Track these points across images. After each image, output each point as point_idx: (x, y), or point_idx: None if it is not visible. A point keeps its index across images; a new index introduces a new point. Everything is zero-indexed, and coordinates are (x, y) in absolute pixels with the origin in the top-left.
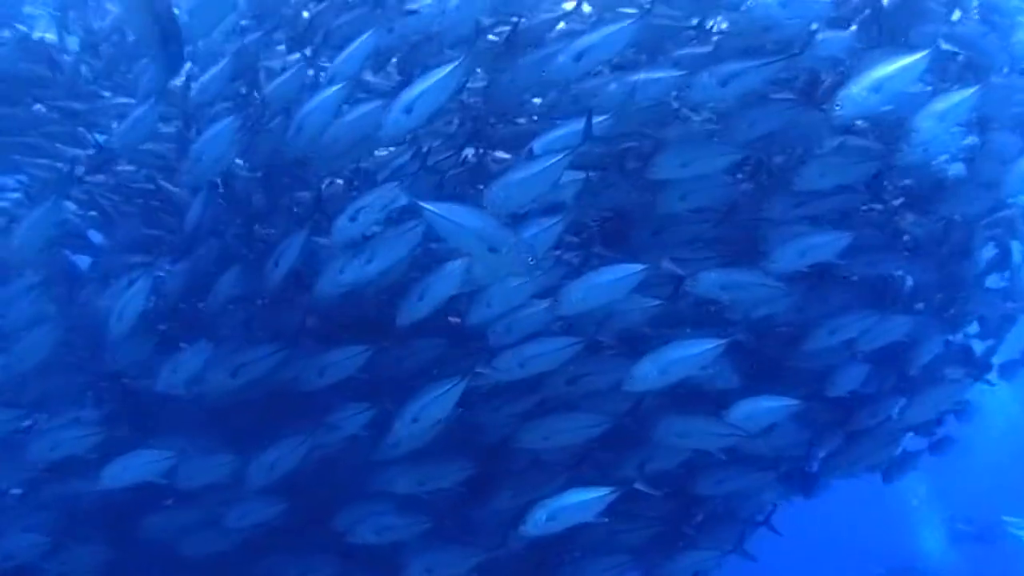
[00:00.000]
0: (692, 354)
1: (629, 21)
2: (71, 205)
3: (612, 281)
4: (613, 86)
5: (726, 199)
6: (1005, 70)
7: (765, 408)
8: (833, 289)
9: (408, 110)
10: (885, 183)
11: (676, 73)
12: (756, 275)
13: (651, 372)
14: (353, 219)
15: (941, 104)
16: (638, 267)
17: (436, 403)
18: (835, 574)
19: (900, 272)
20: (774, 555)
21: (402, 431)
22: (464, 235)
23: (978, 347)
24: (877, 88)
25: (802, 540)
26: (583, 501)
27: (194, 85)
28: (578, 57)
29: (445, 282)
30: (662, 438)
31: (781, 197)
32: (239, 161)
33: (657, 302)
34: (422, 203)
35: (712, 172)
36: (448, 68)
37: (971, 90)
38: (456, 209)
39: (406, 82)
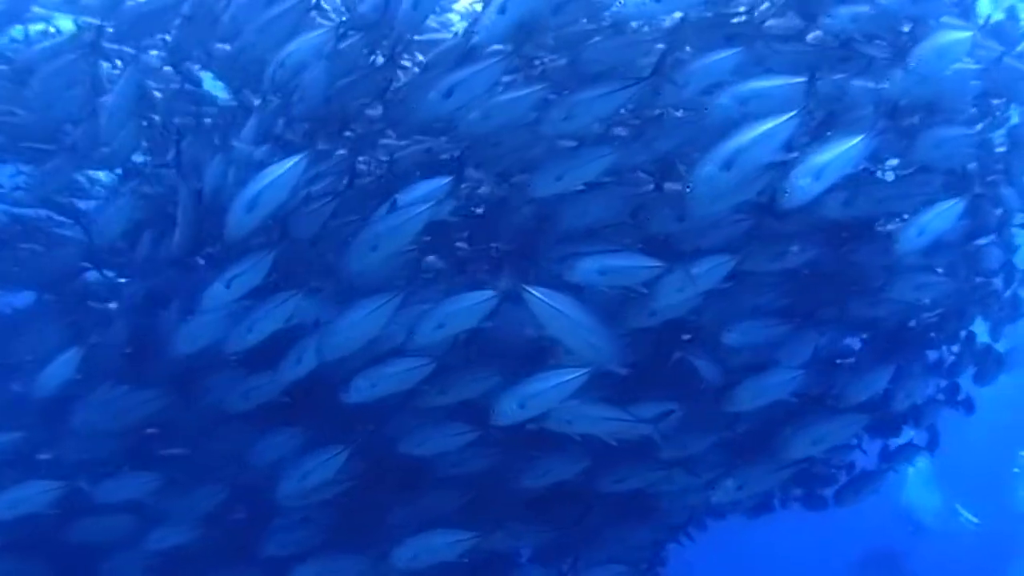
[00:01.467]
0: (551, 386)
1: (499, 57)
2: None
3: (467, 308)
4: (474, 114)
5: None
6: None
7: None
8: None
9: (250, 207)
10: None
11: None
12: (635, 258)
13: (511, 406)
14: (227, 286)
15: (822, 157)
16: (489, 294)
17: (322, 467)
18: (813, 556)
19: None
20: (751, 534)
21: (290, 488)
22: (566, 324)
23: None
24: (728, 165)
25: (780, 519)
26: (445, 543)
27: None
28: (448, 93)
29: None
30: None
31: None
32: None
33: None
34: (528, 289)
35: (591, 178)
36: (290, 161)
37: (856, 140)
38: (560, 298)
39: None
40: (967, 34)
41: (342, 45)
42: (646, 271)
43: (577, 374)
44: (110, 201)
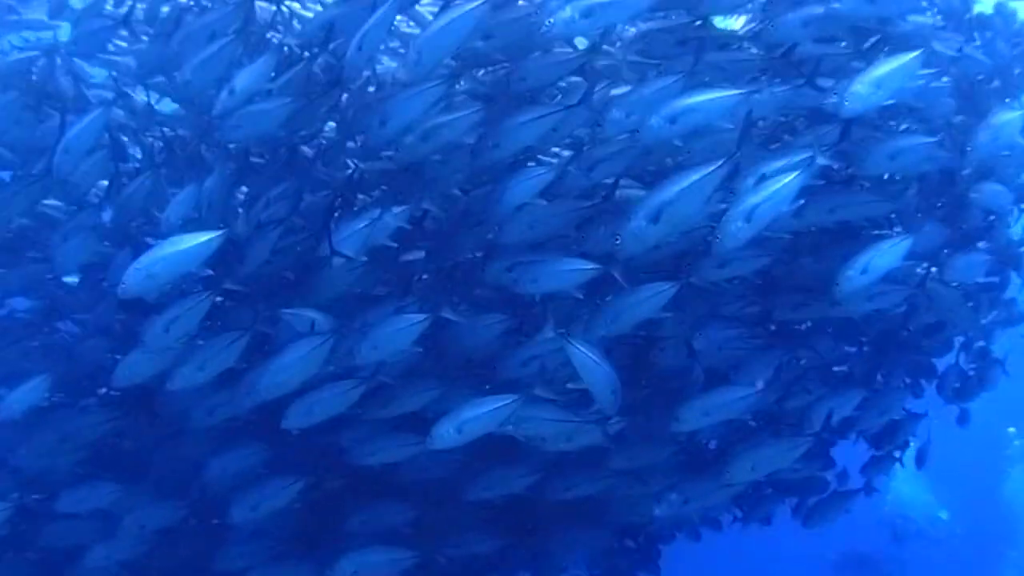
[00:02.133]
0: (487, 411)
1: (434, 83)
2: None
3: (397, 331)
4: (410, 138)
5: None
6: None
7: None
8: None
9: (150, 276)
10: None
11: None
12: (566, 262)
13: (449, 431)
14: (166, 330)
15: (753, 199)
16: (421, 316)
17: (276, 495)
18: (790, 555)
19: None
20: (727, 534)
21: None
22: (598, 374)
23: None
24: (655, 218)
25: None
26: (382, 560)
27: None
28: (382, 123)
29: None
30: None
31: None
32: None
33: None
34: (571, 341)
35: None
36: (203, 237)
37: (788, 178)
38: (596, 350)
39: None
40: (909, 57)
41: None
42: (580, 274)
43: (510, 400)
44: (71, 234)
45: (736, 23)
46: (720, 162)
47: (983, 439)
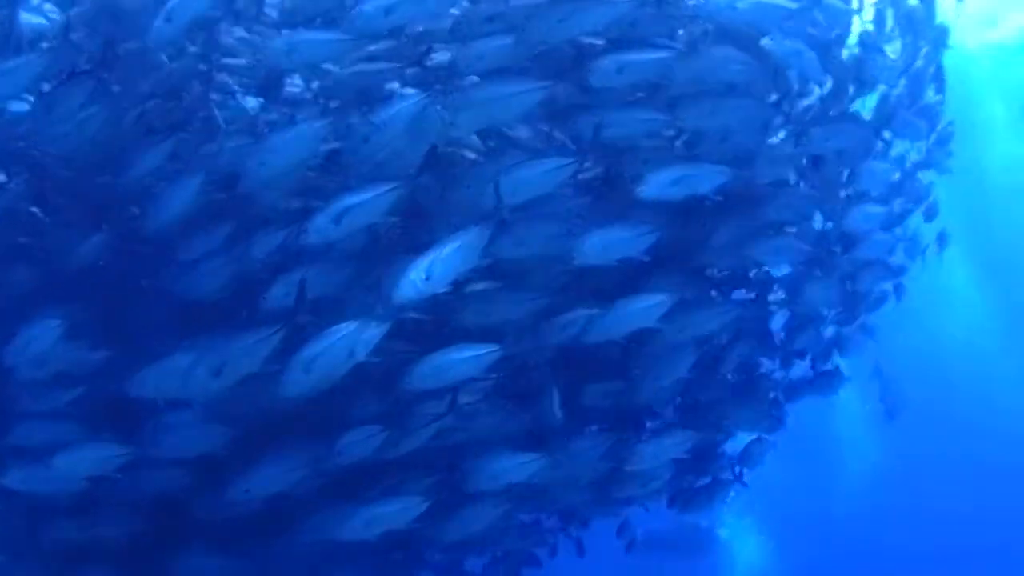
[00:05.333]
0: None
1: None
2: None
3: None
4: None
5: None
6: None
7: None
8: None
9: None
10: None
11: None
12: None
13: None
14: None
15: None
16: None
17: None
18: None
19: None
20: None
21: None
22: None
23: None
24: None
25: None
26: None
27: None
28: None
29: None
30: None
31: None
32: None
33: None
34: None
35: None
36: None
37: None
38: None
39: None
40: (471, 236)
41: None
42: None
43: (127, 451)
44: None
45: None
46: (277, 327)
47: None
